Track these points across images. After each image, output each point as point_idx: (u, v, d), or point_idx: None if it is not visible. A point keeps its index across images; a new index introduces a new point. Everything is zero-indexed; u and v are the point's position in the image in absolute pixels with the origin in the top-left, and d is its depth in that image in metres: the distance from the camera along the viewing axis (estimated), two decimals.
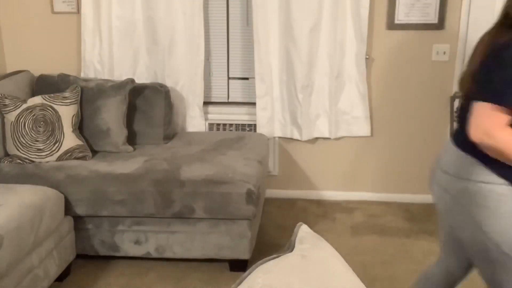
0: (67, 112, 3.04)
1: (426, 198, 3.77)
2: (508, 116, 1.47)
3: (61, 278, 2.77)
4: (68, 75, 3.39)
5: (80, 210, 2.79)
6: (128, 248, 2.88)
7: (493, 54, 1.48)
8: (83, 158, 3.05)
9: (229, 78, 3.83)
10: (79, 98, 3.13)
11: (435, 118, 3.68)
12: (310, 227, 1.28)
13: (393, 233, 3.36)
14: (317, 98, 3.64)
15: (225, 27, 3.72)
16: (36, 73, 3.50)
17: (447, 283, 1.93)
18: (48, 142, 2.99)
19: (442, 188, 1.69)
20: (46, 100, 3.03)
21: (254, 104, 3.70)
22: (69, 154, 3.01)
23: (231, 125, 3.79)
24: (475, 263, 1.70)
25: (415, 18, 3.50)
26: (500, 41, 1.48)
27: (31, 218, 2.39)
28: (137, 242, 2.86)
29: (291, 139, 3.77)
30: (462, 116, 1.66)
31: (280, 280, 1.00)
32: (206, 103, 3.78)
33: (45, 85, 3.35)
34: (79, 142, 3.07)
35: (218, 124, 3.80)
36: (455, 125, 1.79)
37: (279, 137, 3.79)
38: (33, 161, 2.97)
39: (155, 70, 3.65)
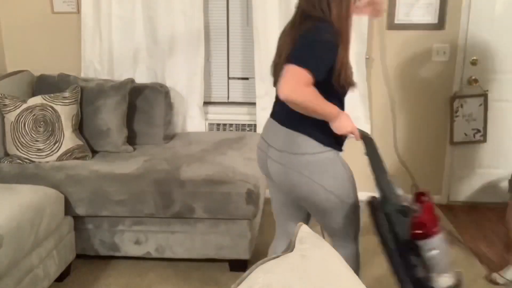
0: (67, 112, 3.04)
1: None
2: (311, 80, 1.75)
3: (61, 278, 2.77)
4: (68, 75, 3.39)
5: (80, 210, 2.79)
6: (128, 248, 2.88)
7: (301, 36, 1.82)
8: (83, 158, 3.04)
9: (229, 78, 3.82)
10: (79, 98, 3.13)
11: (435, 117, 3.68)
12: (310, 227, 1.29)
13: None
14: None
15: (225, 27, 3.72)
16: (36, 73, 3.49)
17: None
18: (48, 142, 2.99)
19: (282, 165, 1.98)
20: (46, 100, 3.03)
21: (254, 104, 3.69)
22: (69, 154, 3.01)
23: (231, 125, 3.79)
24: (319, 219, 2.10)
25: (415, 18, 3.50)
26: (304, 28, 1.85)
27: (31, 218, 2.39)
28: (137, 242, 2.86)
29: None
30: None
31: (280, 280, 1.00)
32: (206, 103, 3.77)
33: (45, 85, 3.35)
34: (79, 142, 3.07)
35: (218, 124, 3.79)
36: (278, 107, 2.04)
37: None
38: (33, 161, 2.97)
39: (155, 70, 3.65)
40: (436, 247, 1.91)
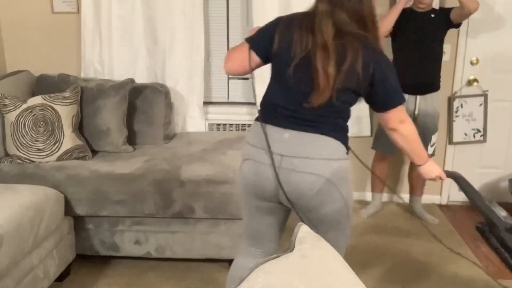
0: (67, 112, 3.04)
1: (426, 198, 3.77)
2: None
3: (61, 278, 2.77)
4: (68, 75, 3.39)
5: (80, 210, 2.79)
6: (128, 248, 2.88)
7: (387, 71, 1.84)
8: (83, 158, 3.05)
9: (229, 78, 3.82)
10: (79, 98, 3.13)
11: None
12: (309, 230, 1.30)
13: (393, 233, 3.36)
14: None
15: (225, 27, 3.72)
16: (36, 73, 3.50)
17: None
18: (48, 142, 2.99)
19: (315, 175, 1.79)
20: (46, 100, 3.03)
21: (254, 104, 3.69)
22: (69, 154, 3.01)
23: (231, 125, 3.79)
24: (329, 235, 1.83)
25: None
26: (378, 50, 1.83)
27: (31, 218, 2.39)
28: (137, 242, 2.86)
29: None
30: (331, 114, 1.84)
31: (280, 280, 1.00)
32: (206, 103, 3.77)
33: (45, 85, 3.35)
34: (79, 142, 3.07)
35: (218, 124, 3.79)
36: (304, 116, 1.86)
37: None
38: (33, 161, 2.97)
39: (155, 70, 3.65)
40: None
